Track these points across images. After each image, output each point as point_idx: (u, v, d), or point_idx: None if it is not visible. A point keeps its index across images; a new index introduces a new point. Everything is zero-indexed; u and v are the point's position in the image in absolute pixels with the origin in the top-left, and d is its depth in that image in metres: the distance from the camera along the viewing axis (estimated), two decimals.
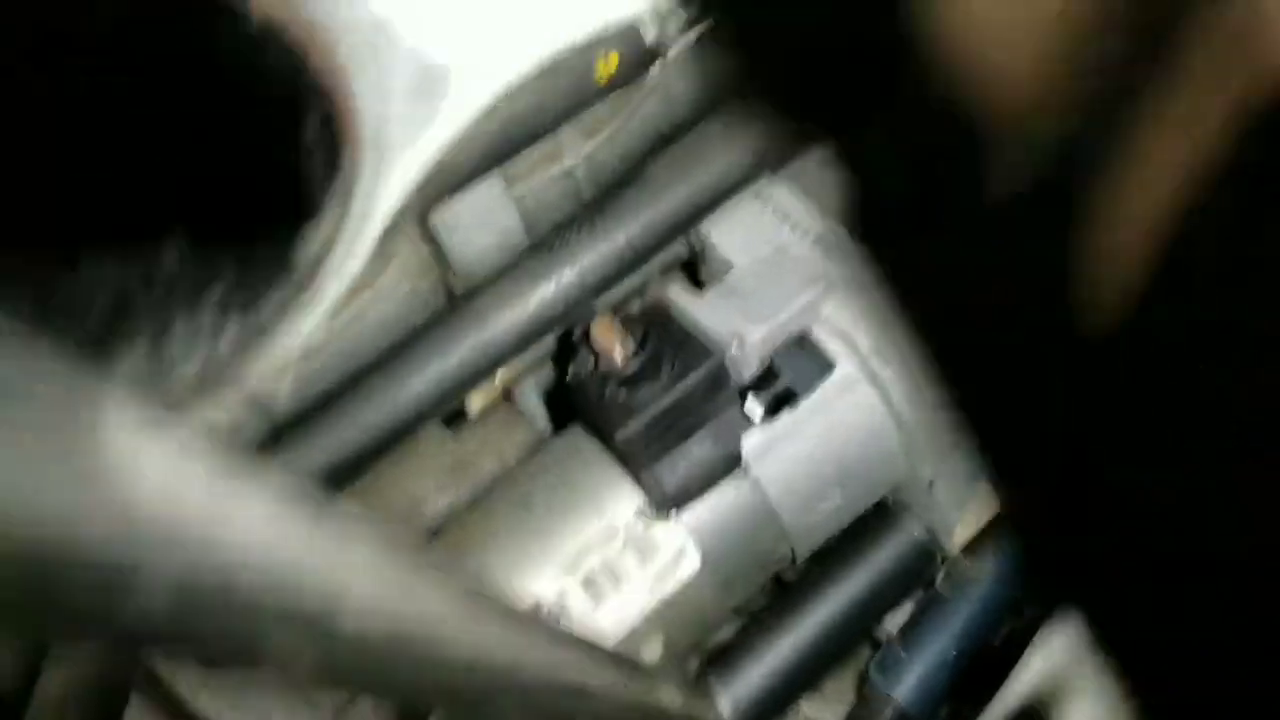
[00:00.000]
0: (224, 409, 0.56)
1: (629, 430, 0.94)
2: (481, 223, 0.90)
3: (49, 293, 0.49)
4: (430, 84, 0.42)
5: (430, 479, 1.18)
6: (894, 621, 1.12)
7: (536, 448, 1.19)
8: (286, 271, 0.46)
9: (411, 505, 1.18)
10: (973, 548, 1.07)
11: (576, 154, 1.00)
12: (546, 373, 1.15)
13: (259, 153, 0.47)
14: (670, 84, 1.02)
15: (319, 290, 0.47)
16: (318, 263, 0.46)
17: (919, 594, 1.11)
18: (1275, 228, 0.16)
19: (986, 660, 1.07)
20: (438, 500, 1.18)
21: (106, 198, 0.51)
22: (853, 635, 1.08)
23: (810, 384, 0.92)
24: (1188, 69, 0.16)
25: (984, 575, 1.06)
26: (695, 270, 1.07)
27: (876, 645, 1.15)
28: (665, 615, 0.98)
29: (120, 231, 0.51)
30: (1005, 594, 1.06)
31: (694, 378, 0.94)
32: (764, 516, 0.99)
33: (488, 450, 1.19)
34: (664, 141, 0.96)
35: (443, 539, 1.04)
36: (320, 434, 0.88)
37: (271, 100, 0.43)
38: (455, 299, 0.95)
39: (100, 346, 0.47)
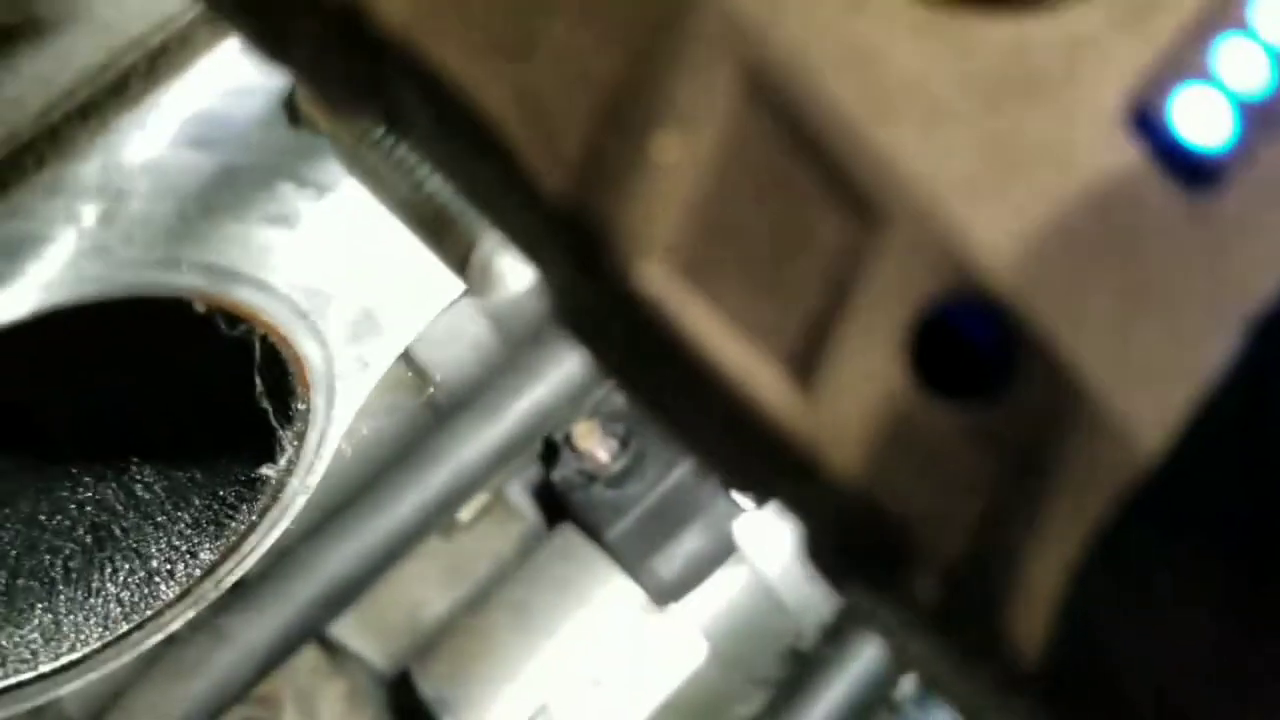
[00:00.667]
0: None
1: (619, 529, 0.94)
2: (454, 336, 0.91)
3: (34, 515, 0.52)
4: (365, 325, 0.45)
5: (428, 585, 1.19)
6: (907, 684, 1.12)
7: (530, 544, 1.19)
8: (253, 495, 0.49)
9: (411, 612, 1.19)
10: None
11: None
12: (535, 470, 1.15)
13: (222, 408, 0.51)
14: None
15: (285, 505, 0.49)
16: (281, 485, 0.49)
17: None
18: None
19: None
20: (436, 605, 1.18)
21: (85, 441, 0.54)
22: (870, 704, 1.07)
23: None
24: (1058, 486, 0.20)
25: None
26: None
27: (891, 708, 1.14)
28: (678, 706, 0.98)
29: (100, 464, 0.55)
30: None
31: (680, 470, 0.95)
32: (765, 596, 0.99)
33: (483, 552, 1.19)
34: None
35: (442, 649, 1.05)
36: (319, 562, 0.89)
37: (230, 372, 0.47)
38: (441, 411, 0.96)
39: (82, 571, 0.50)
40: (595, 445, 0.95)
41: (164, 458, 0.54)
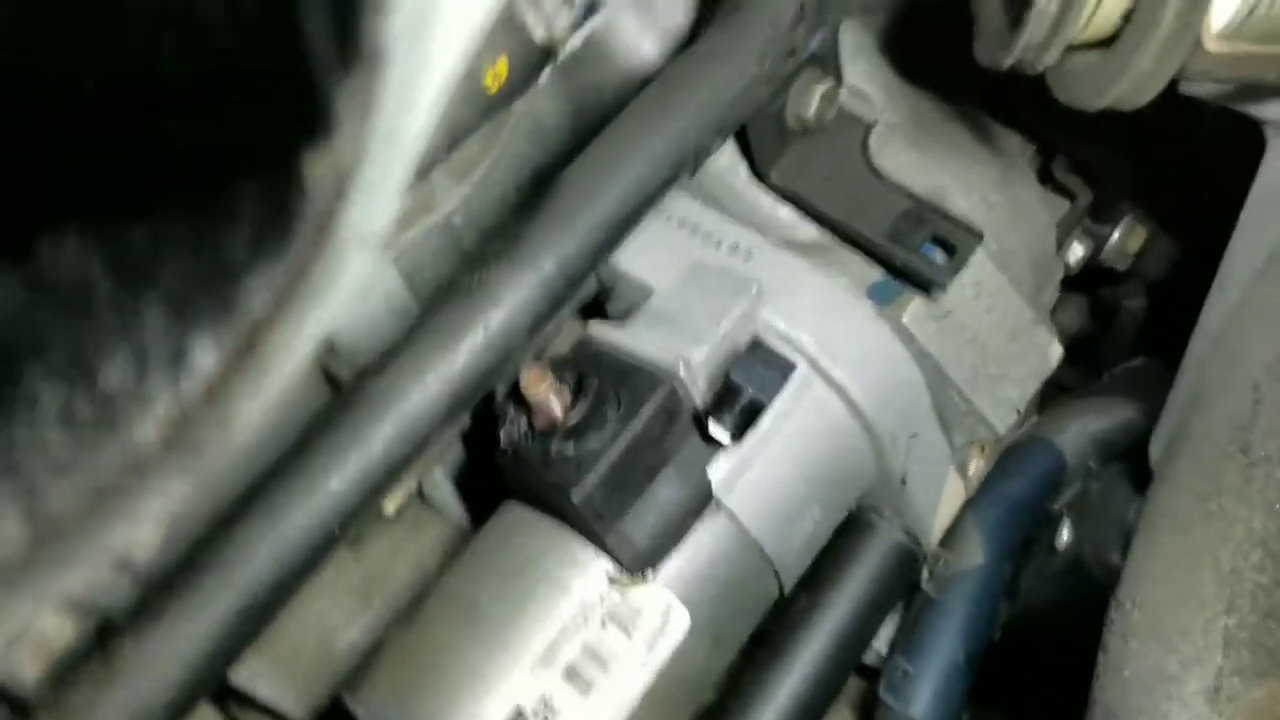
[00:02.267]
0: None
1: (586, 486, 0.83)
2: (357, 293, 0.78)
3: None
4: None
5: (337, 607, 1.03)
6: (882, 636, 1.04)
7: (459, 543, 1.05)
8: (277, 236, 0.29)
9: (321, 643, 1.02)
10: (950, 538, 1.01)
11: (452, 199, 0.90)
12: (454, 455, 1.02)
13: (213, 19, 0.30)
14: (540, 112, 0.94)
15: (333, 263, 0.29)
16: (324, 216, 0.28)
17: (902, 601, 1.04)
18: None
19: (995, 656, 1.00)
20: (350, 631, 1.03)
21: None
22: (850, 661, 0.99)
23: (775, 389, 0.83)
24: None
25: (970, 564, 0.99)
26: (603, 307, 0.97)
27: (864, 667, 1.06)
28: (663, 686, 0.86)
29: None
30: (998, 579, 0.99)
31: (645, 412, 0.84)
32: (746, 552, 0.89)
33: (400, 559, 1.05)
34: (544, 173, 0.87)
35: (379, 672, 0.90)
36: (198, 595, 0.71)
37: None
38: (342, 387, 0.82)
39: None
40: (548, 395, 0.83)
41: (105, 209, 0.32)
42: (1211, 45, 0.68)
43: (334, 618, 1.00)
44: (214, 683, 0.71)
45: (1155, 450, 0.87)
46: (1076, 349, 1.19)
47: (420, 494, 1.00)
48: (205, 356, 0.30)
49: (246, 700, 0.96)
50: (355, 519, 0.74)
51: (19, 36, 0.31)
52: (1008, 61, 0.75)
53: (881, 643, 1.05)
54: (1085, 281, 1.14)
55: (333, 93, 0.26)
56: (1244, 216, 0.81)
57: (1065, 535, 1.00)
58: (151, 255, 0.31)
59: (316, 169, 0.28)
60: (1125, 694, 0.77)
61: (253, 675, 0.94)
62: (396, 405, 0.73)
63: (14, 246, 0.33)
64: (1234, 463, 0.77)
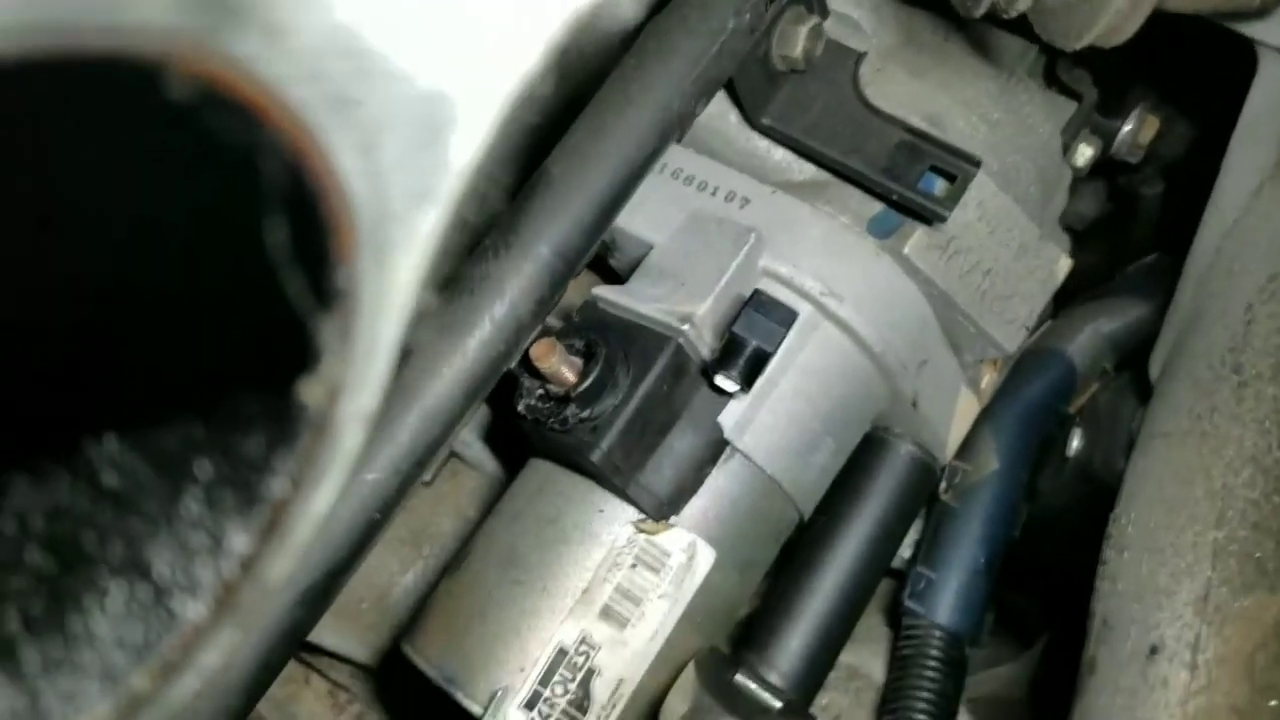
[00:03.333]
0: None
1: (603, 448, 0.86)
2: None
3: None
4: (430, 114, 0.29)
5: (392, 557, 1.10)
6: (906, 543, 1.08)
7: (492, 493, 1.11)
8: (288, 435, 0.34)
9: (380, 591, 1.10)
10: (966, 449, 1.04)
11: None
12: (481, 415, 1.06)
13: (210, 298, 0.35)
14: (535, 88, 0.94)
15: (338, 441, 0.34)
16: (327, 411, 0.33)
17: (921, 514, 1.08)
18: None
19: (1016, 556, 1.04)
20: (404, 579, 1.10)
21: None
22: (876, 574, 1.03)
23: (779, 339, 0.85)
24: None
25: (987, 472, 1.02)
26: (604, 263, 0.99)
27: (894, 576, 1.11)
28: (694, 618, 0.92)
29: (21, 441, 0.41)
30: (1014, 485, 1.02)
31: (655, 373, 0.87)
32: (762, 489, 0.93)
33: (442, 510, 1.11)
34: (539, 151, 0.88)
35: (430, 621, 0.96)
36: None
37: (221, 205, 0.30)
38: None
39: (49, 614, 0.36)
40: (559, 364, 0.87)
41: (129, 413, 0.38)
42: None
43: (388, 568, 1.06)
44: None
45: (1154, 368, 0.89)
46: (1094, 235, 1.19)
47: (453, 453, 1.05)
48: (239, 540, 0.35)
49: (316, 649, 1.04)
50: (394, 505, 0.80)
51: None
52: (980, 11, 0.74)
53: (907, 548, 1.09)
54: (1101, 169, 1.13)
55: (315, 330, 0.31)
56: (1236, 137, 0.80)
57: (1076, 443, 1.02)
58: (184, 457, 0.37)
59: (311, 392, 0.32)
60: (1120, 605, 0.81)
61: (320, 628, 1.02)
62: (417, 403, 0.77)
63: (65, 446, 0.38)
64: (1226, 382, 0.79)
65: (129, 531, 0.37)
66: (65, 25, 0.20)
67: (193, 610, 0.35)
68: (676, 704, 0.85)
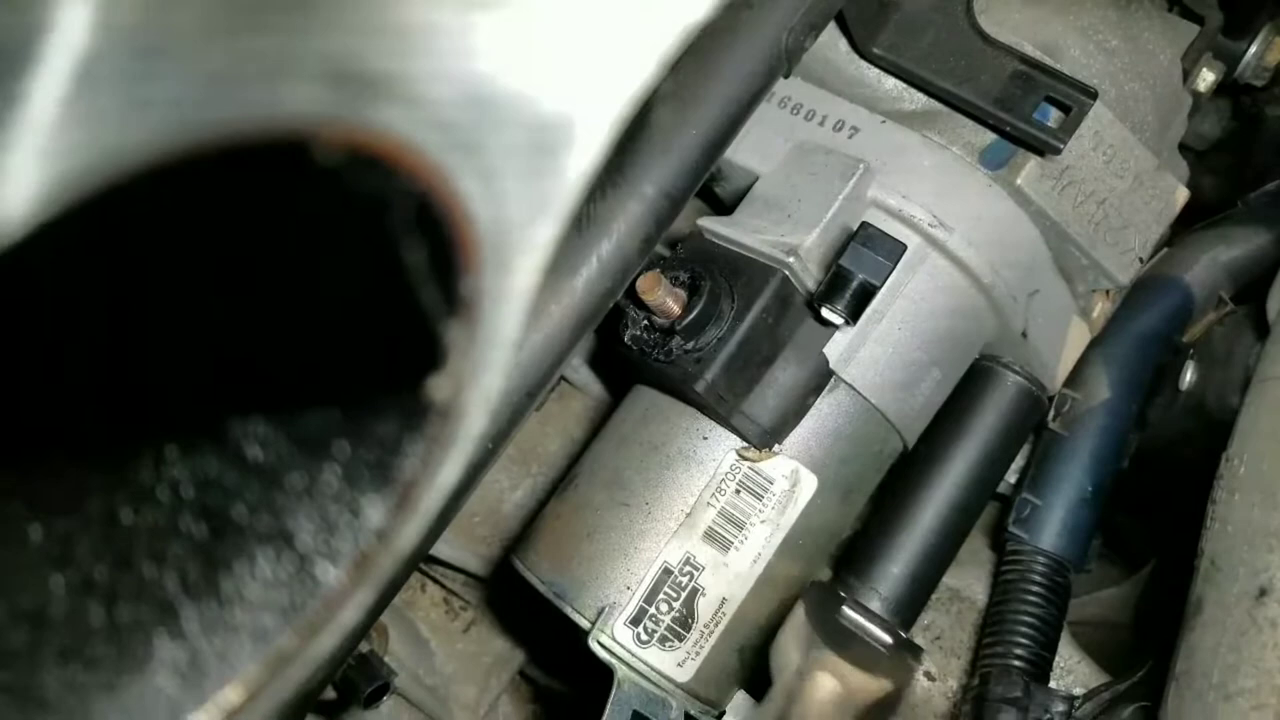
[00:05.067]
0: None
1: (707, 379, 0.88)
2: None
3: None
4: (549, 139, 0.32)
5: (503, 474, 1.14)
6: (1012, 475, 1.08)
7: (598, 415, 1.13)
8: (419, 420, 0.38)
9: (491, 507, 1.14)
10: (1076, 378, 1.03)
11: None
12: (588, 338, 1.09)
13: (350, 306, 0.39)
14: None
15: (463, 425, 0.38)
16: (454, 400, 0.37)
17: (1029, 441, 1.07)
18: None
19: (1125, 484, 1.03)
20: (514, 494, 1.14)
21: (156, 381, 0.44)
22: (980, 500, 1.04)
23: (886, 273, 0.85)
24: None
25: (1097, 402, 1.02)
26: (711, 191, 1.00)
27: (998, 499, 1.11)
28: (795, 542, 0.94)
29: (179, 421, 0.44)
30: (1124, 415, 1.01)
31: (759, 305, 0.88)
32: (867, 418, 0.94)
33: (550, 430, 1.14)
34: None
35: (541, 538, 1.00)
36: None
37: (361, 240, 0.34)
38: None
39: (205, 576, 0.41)
40: (664, 296, 0.88)
41: (274, 398, 0.42)
42: None
43: (499, 485, 1.10)
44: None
45: (1273, 305, 0.87)
46: (1215, 156, 1.15)
47: (561, 376, 1.07)
48: (374, 513, 0.39)
49: (432, 559, 1.09)
50: (507, 433, 0.83)
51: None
52: None
53: (1012, 474, 1.09)
54: (1225, 87, 1.09)
55: (443, 333, 0.35)
56: None
57: (1189, 376, 1.00)
58: (324, 439, 0.41)
59: (439, 387, 0.36)
60: (1229, 546, 0.80)
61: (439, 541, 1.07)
62: (530, 337, 0.80)
63: (217, 424, 0.43)
64: None
65: (275, 504, 0.40)
66: (231, 120, 0.24)
67: (334, 576, 0.38)
68: (789, 647, 0.87)
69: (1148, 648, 1.00)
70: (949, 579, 1.13)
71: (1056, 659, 1.03)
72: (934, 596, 1.08)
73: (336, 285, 0.39)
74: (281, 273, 0.39)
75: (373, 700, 0.98)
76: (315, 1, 0.25)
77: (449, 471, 0.39)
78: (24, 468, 0.44)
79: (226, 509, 0.41)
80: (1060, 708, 0.96)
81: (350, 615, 0.39)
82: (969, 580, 1.14)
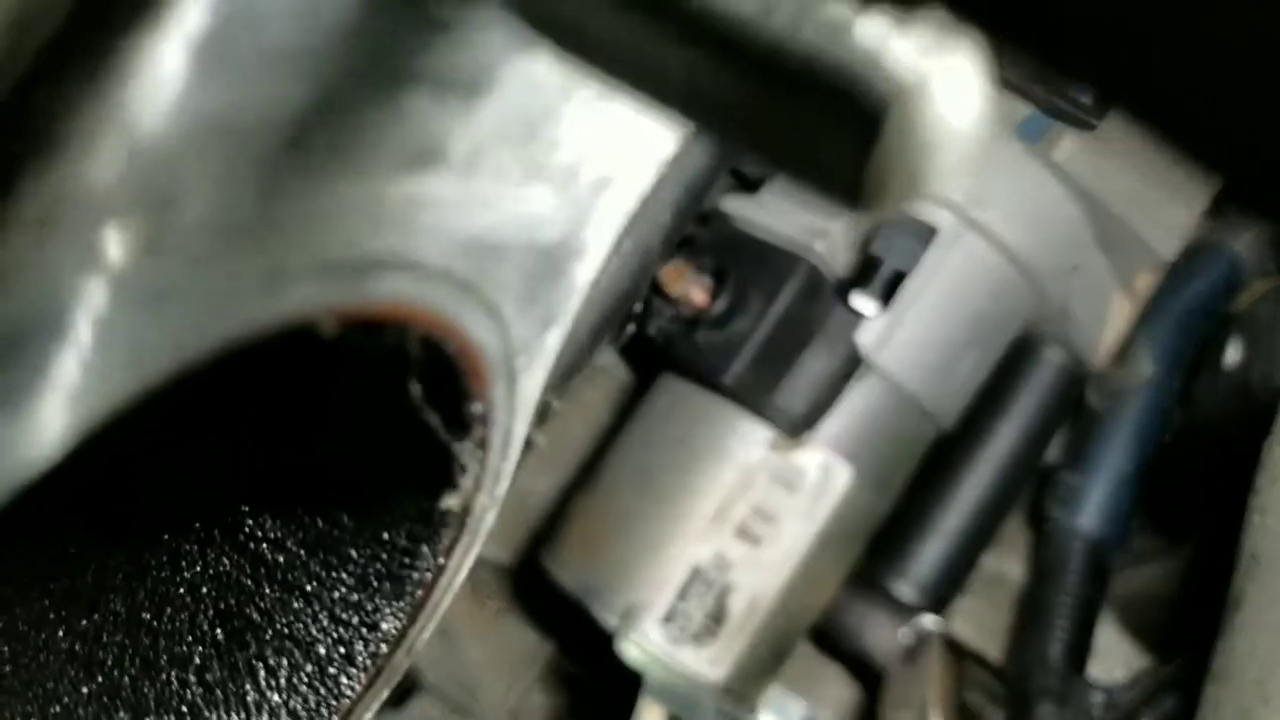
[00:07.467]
0: None
1: (736, 370, 0.85)
2: None
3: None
4: (556, 257, 0.34)
5: (527, 464, 1.11)
6: (1051, 453, 1.05)
7: (625, 399, 1.10)
8: (433, 530, 0.39)
9: (518, 496, 1.11)
10: (1118, 353, 0.99)
11: None
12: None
13: (370, 432, 0.41)
14: None
15: (475, 529, 0.40)
16: (467, 509, 0.39)
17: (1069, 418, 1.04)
18: None
19: (1168, 459, 1.00)
20: (540, 483, 1.11)
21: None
22: (1018, 484, 1.01)
23: (918, 257, 0.82)
24: None
25: (1139, 378, 0.98)
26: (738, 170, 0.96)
27: (1041, 476, 1.08)
28: (830, 534, 0.91)
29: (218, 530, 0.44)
30: (1167, 391, 0.97)
31: (787, 293, 0.85)
32: (901, 404, 0.91)
33: (575, 416, 1.11)
34: None
35: (570, 536, 0.98)
36: None
37: (372, 387, 0.36)
38: None
39: (226, 680, 0.39)
40: (688, 287, 0.85)
41: (293, 505, 0.42)
42: None
43: (525, 475, 1.08)
44: None
45: None
46: None
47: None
48: (390, 623, 0.40)
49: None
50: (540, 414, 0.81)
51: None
52: None
53: (1051, 452, 1.06)
54: None
55: (456, 453, 0.36)
56: None
57: (1233, 354, 0.96)
58: (335, 543, 0.41)
59: (452, 501, 0.38)
60: (1270, 541, 0.77)
61: None
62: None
63: (229, 519, 0.43)
64: None
65: (286, 607, 0.40)
66: (236, 332, 0.26)
67: (353, 680, 0.39)
68: None
69: (1191, 627, 0.97)
70: (988, 561, 1.10)
71: (1098, 640, 1.01)
72: (970, 577, 1.06)
73: (354, 429, 0.41)
74: (302, 422, 0.42)
75: (400, 700, 0.97)
76: (293, 210, 0.26)
77: (463, 570, 0.40)
78: (50, 565, 0.44)
79: (243, 611, 0.41)
80: (1099, 699, 0.94)
81: (368, 713, 0.38)
82: (1006, 560, 1.11)
